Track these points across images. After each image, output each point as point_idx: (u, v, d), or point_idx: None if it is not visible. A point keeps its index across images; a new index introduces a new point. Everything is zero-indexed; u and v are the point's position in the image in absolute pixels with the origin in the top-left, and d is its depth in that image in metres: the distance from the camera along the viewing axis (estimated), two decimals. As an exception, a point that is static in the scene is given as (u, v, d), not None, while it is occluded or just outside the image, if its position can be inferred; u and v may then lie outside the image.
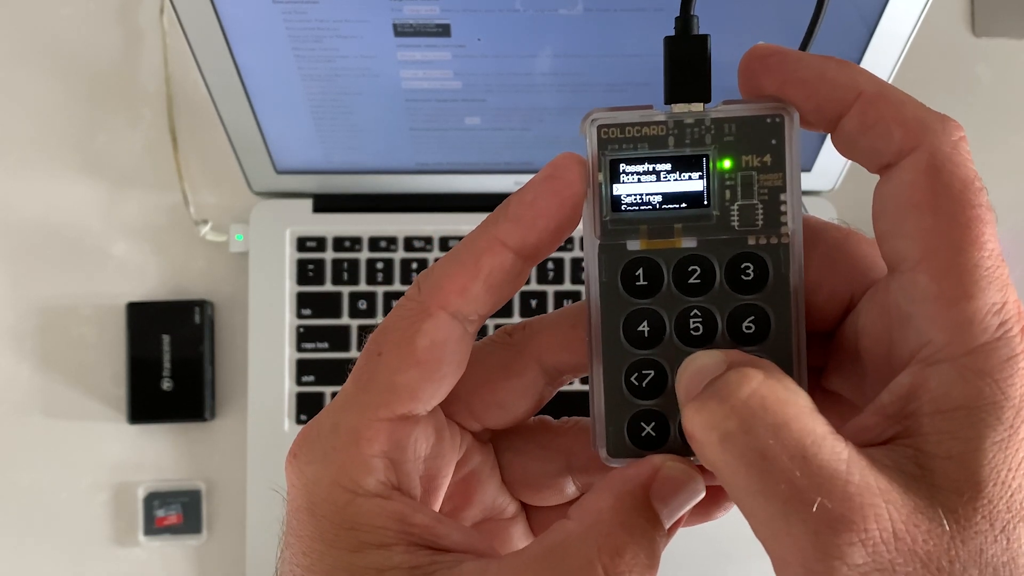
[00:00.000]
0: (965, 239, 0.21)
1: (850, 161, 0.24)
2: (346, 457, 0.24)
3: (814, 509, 0.20)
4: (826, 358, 0.27)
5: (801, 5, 0.29)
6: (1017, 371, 0.21)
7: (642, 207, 0.25)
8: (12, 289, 0.70)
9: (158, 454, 0.69)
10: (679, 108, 0.25)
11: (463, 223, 0.69)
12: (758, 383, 0.22)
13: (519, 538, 0.29)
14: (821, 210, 0.68)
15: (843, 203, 0.69)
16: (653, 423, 0.25)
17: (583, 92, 0.60)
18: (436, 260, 0.25)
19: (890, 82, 0.61)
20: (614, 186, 0.25)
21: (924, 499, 0.20)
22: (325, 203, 0.69)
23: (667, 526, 0.23)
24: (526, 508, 0.29)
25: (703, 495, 0.24)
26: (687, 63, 0.26)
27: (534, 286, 0.68)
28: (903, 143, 0.22)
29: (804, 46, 0.29)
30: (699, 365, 0.23)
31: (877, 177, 0.24)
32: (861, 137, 0.23)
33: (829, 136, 0.24)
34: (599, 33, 0.55)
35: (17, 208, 0.70)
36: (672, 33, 0.26)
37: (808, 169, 0.66)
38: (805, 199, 0.69)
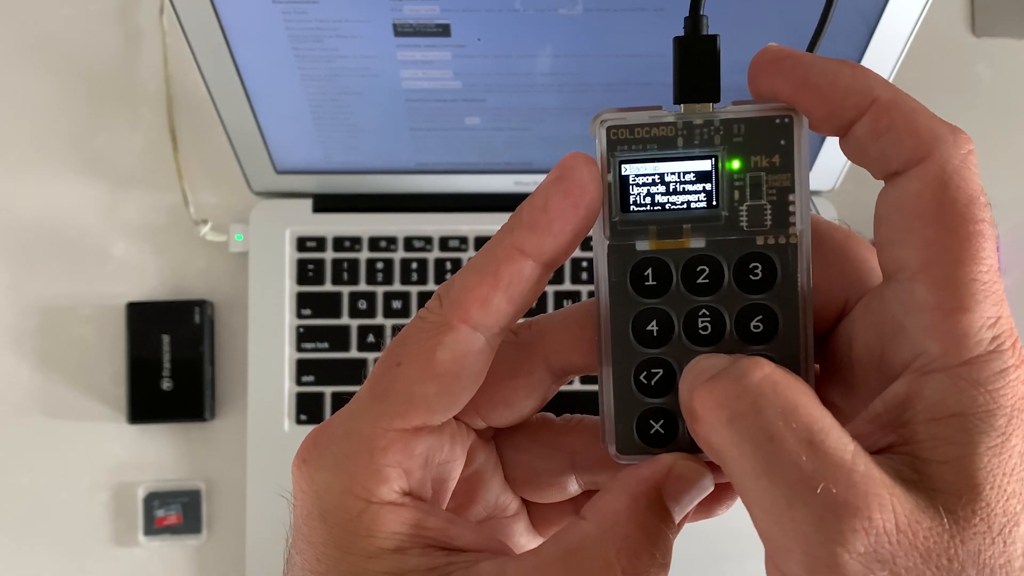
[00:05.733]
0: (965, 252, 0.22)
1: (851, 161, 0.24)
2: (359, 465, 0.24)
3: (818, 492, 0.20)
4: (819, 366, 0.27)
5: (806, 4, 0.29)
6: (1008, 383, 0.21)
7: (651, 208, 0.25)
8: (12, 289, 0.70)
9: (158, 454, 0.69)
10: (688, 108, 0.25)
11: (463, 223, 0.69)
12: (771, 369, 0.22)
13: (521, 535, 0.29)
14: (821, 210, 0.68)
15: (843, 203, 0.69)
16: (662, 421, 0.26)
17: (583, 92, 0.60)
18: (456, 272, 0.25)
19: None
20: (623, 187, 0.25)
21: (924, 499, 0.20)
22: (325, 203, 0.69)
23: (677, 522, 0.24)
24: (527, 505, 0.29)
25: (711, 490, 0.24)
26: (696, 63, 0.26)
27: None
28: (913, 152, 0.22)
29: (812, 46, 0.29)
30: (706, 363, 0.23)
31: (878, 180, 0.24)
32: (872, 144, 0.23)
33: (838, 140, 0.24)
34: (599, 33, 0.55)
35: (17, 208, 0.70)
36: (680, 33, 0.26)
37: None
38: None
